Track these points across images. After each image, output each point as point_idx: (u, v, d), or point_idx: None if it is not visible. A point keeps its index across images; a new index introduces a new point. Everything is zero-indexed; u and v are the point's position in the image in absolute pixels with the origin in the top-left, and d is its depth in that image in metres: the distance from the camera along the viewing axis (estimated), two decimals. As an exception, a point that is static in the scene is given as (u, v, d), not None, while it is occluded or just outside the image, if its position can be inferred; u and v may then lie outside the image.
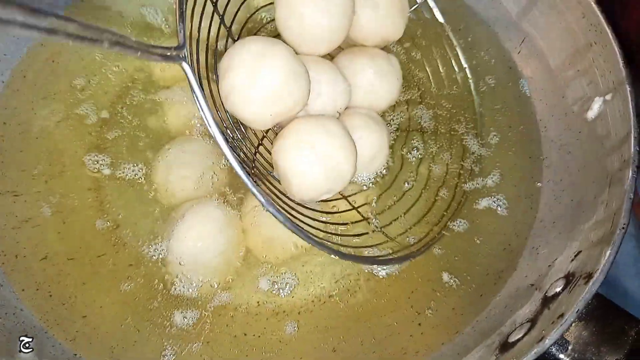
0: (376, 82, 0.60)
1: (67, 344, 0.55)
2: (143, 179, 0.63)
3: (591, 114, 0.60)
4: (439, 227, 0.61)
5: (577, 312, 0.45)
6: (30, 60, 0.69)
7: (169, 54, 0.46)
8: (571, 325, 0.46)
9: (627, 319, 0.48)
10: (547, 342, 0.44)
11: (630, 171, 0.51)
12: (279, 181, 0.55)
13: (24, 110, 0.66)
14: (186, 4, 0.51)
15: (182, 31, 0.48)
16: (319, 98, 0.55)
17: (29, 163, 0.64)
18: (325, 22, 0.54)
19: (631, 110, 0.54)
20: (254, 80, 0.49)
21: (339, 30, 0.56)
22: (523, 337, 0.48)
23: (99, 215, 0.62)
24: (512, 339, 0.49)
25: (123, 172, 0.63)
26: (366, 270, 0.60)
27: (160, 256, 0.59)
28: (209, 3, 0.56)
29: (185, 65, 0.47)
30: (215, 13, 0.57)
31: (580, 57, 0.62)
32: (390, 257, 0.58)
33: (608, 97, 0.58)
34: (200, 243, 0.56)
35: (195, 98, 0.48)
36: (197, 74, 0.49)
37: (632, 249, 0.82)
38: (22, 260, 0.59)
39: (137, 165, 0.64)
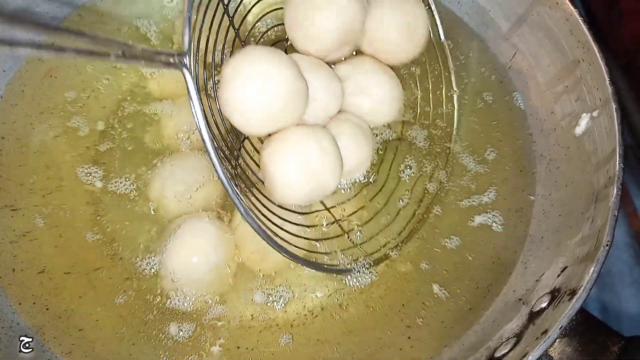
0: (385, 101, 0.62)
1: (64, 357, 0.56)
2: (138, 192, 0.64)
3: (579, 129, 0.61)
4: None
5: (560, 328, 0.45)
6: (29, 75, 0.70)
7: (171, 60, 0.47)
8: (555, 341, 0.47)
9: (610, 334, 0.49)
10: (530, 358, 0.45)
11: (615, 188, 0.52)
12: (262, 181, 0.57)
13: (22, 125, 0.67)
14: (197, 9, 0.51)
15: (187, 35, 0.48)
16: (314, 102, 0.57)
17: (27, 177, 0.65)
18: (331, 30, 0.56)
19: (617, 127, 0.55)
20: (256, 98, 0.51)
21: (344, 41, 0.58)
22: (508, 352, 0.49)
23: (95, 229, 0.63)
24: (498, 354, 0.50)
25: (116, 187, 0.64)
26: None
27: (153, 270, 0.60)
28: (215, 8, 0.57)
29: (186, 72, 0.47)
30: (225, 14, 0.59)
31: (569, 74, 0.63)
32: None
33: (595, 113, 0.59)
34: (193, 259, 0.57)
35: (192, 106, 0.48)
36: (196, 81, 0.49)
37: (628, 258, 0.83)
38: (19, 274, 0.60)
39: (130, 179, 0.65)
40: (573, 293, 0.48)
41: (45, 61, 0.71)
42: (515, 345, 0.49)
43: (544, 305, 0.51)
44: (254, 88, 0.51)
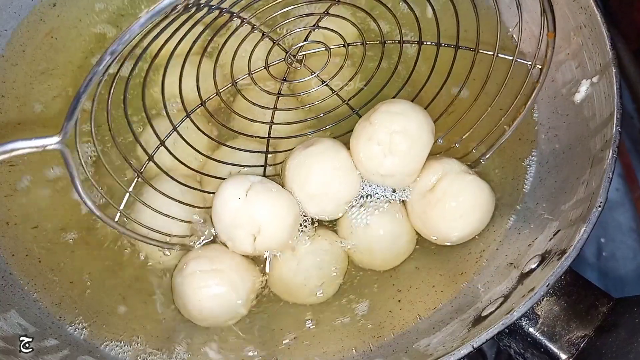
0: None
1: (53, 307, 0.57)
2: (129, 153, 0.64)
3: (578, 96, 0.60)
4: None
5: (547, 285, 0.45)
6: (30, 35, 0.71)
7: (47, 148, 0.43)
8: (542, 299, 0.47)
9: (599, 295, 0.48)
10: (515, 314, 0.44)
11: (611, 151, 0.51)
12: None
13: (22, 84, 0.68)
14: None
15: (73, 117, 0.41)
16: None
17: (25, 135, 0.64)
18: None
19: (615, 91, 0.54)
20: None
21: None
22: (495, 310, 0.48)
23: (90, 187, 0.63)
24: (485, 313, 0.49)
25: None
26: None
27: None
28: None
29: (66, 154, 0.44)
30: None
31: (571, 40, 0.62)
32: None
33: (595, 79, 0.58)
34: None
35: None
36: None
37: (633, 243, 0.83)
38: (13, 227, 0.61)
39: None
40: (563, 253, 0.47)
41: (46, 22, 0.72)
42: (502, 304, 0.49)
43: (533, 266, 0.50)
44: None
